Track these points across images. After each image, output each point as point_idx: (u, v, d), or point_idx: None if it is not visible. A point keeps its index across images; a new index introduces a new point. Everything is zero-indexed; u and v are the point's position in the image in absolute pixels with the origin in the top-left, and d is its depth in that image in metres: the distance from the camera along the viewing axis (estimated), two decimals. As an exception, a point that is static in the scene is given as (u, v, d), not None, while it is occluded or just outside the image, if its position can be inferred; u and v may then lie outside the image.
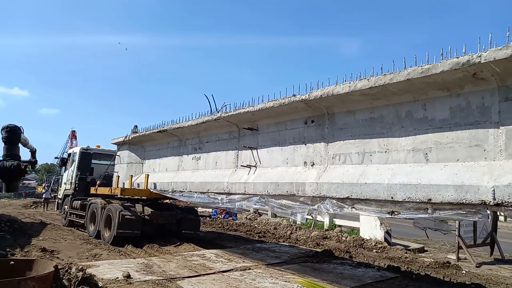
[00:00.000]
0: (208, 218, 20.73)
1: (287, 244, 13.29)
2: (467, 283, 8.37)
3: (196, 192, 9.27)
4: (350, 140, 5.91)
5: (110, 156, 15.04)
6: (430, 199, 4.52)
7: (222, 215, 21.46)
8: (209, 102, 9.91)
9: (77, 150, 16.73)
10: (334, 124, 6.24)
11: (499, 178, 3.99)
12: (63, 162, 18.18)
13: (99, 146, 16.92)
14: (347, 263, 9.88)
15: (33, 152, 8.76)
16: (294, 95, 6.50)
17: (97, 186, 13.72)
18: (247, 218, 20.11)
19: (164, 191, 10.73)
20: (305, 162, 6.65)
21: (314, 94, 6.08)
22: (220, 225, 18.07)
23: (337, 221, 16.72)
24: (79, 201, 14.29)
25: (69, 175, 16.51)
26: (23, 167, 6.59)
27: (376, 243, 12.94)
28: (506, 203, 3.86)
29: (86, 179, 15.49)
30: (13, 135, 6.70)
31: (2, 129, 6.65)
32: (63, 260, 8.59)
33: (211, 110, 9.50)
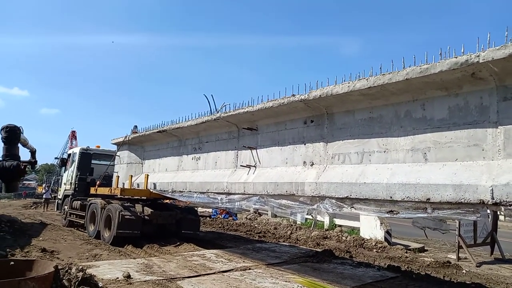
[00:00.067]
0: (208, 218, 20.74)
1: (287, 244, 13.30)
2: (468, 282, 8.37)
3: (195, 192, 9.28)
4: (349, 140, 5.92)
5: (110, 156, 15.05)
6: (429, 199, 4.53)
7: (222, 215, 21.46)
8: (208, 102, 9.94)
9: (77, 150, 16.74)
10: (333, 124, 6.25)
11: (498, 177, 4.00)
12: (63, 162, 18.19)
13: (99, 147, 16.93)
14: (348, 263, 9.88)
15: (32, 152, 8.76)
16: (294, 95, 6.51)
17: (97, 186, 13.73)
18: (247, 218, 20.11)
19: (164, 191, 10.74)
20: (304, 162, 6.66)
21: (314, 94, 6.09)
22: (220, 225, 18.07)
23: (337, 221, 16.72)
24: (79, 202, 14.30)
25: (69, 175, 16.53)
26: (22, 167, 6.59)
27: (376, 242, 12.95)
28: (504, 202, 3.88)
29: (86, 180, 15.50)
30: (13, 135, 6.70)
31: (1, 129, 6.65)
32: (63, 260, 8.59)
33: (210, 110, 9.53)
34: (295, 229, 16.07)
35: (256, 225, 18.03)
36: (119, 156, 13.48)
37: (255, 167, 7.70)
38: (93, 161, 16.22)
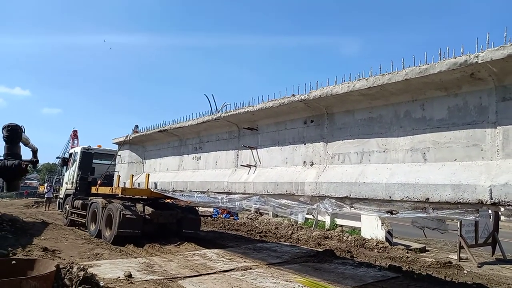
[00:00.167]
0: (209, 217, 20.75)
1: (288, 243, 13.31)
2: (469, 283, 8.36)
3: (196, 191, 9.30)
4: (349, 139, 5.93)
5: (111, 155, 15.08)
6: (428, 199, 4.54)
7: (223, 215, 21.47)
8: (209, 102, 9.95)
9: (78, 150, 16.79)
10: (333, 124, 6.26)
11: (496, 177, 4.02)
12: (65, 161, 18.24)
13: (100, 146, 16.96)
14: (348, 263, 9.88)
15: (34, 152, 8.80)
16: (294, 95, 6.52)
17: (98, 185, 13.77)
18: (248, 218, 20.11)
19: (165, 190, 10.77)
20: (304, 162, 6.68)
21: (313, 94, 6.10)
22: (221, 225, 18.08)
23: (338, 221, 16.71)
24: (80, 201, 14.33)
25: (70, 174, 16.57)
26: (24, 166, 6.61)
27: (378, 243, 12.95)
28: (503, 202, 3.89)
29: (87, 179, 15.54)
30: (14, 134, 6.72)
31: (3, 128, 6.67)
32: (64, 259, 8.62)
33: (211, 110, 9.54)
34: (296, 229, 16.08)
35: (257, 225, 18.05)
36: (120, 155, 13.52)
37: (256, 166, 7.72)
38: (94, 161, 16.26)
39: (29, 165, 7.25)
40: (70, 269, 5.92)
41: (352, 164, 5.79)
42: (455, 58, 4.31)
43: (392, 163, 5.22)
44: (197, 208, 15.65)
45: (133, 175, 12.41)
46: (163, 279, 7.28)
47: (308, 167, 6.54)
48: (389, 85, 5.05)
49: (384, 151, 5.38)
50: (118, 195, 12.18)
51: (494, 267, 10.47)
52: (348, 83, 5.55)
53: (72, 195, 15.50)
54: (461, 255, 11.19)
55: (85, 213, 13.52)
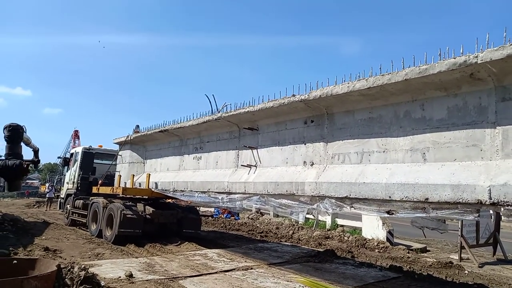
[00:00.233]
0: (210, 217, 20.76)
1: (289, 243, 13.31)
2: (470, 283, 8.34)
3: (197, 191, 9.32)
4: (349, 140, 5.94)
5: (112, 155, 15.11)
6: (427, 199, 4.55)
7: (224, 215, 21.48)
8: (210, 102, 9.96)
9: (79, 150, 16.83)
10: (333, 124, 6.28)
11: (495, 177, 4.02)
12: (66, 161, 18.26)
13: (101, 146, 17.00)
14: (349, 263, 9.87)
15: (35, 152, 8.83)
16: (294, 95, 6.54)
17: (99, 185, 13.79)
18: (249, 218, 20.11)
19: (166, 190, 10.79)
20: (304, 162, 6.69)
21: (314, 94, 6.11)
22: (222, 225, 18.09)
23: (339, 221, 16.69)
24: (81, 201, 14.37)
25: (71, 174, 16.61)
26: (25, 166, 6.64)
27: (378, 243, 12.94)
28: (502, 202, 3.89)
29: (88, 179, 15.57)
30: (15, 134, 6.75)
31: (4, 128, 6.70)
32: (65, 259, 8.63)
33: (212, 110, 9.55)
34: (297, 229, 16.08)
35: (258, 225, 18.05)
36: (121, 155, 13.55)
37: (256, 166, 7.74)
38: (95, 161, 16.30)
39: (30, 165, 7.27)
40: (71, 269, 5.93)
41: (352, 164, 5.80)
42: (454, 58, 4.32)
43: (392, 163, 5.23)
44: (198, 208, 15.65)
45: (134, 175, 12.43)
46: (164, 279, 7.28)
47: (308, 167, 6.55)
48: (389, 85, 5.06)
49: (384, 151, 5.39)
50: (119, 195, 12.21)
51: (495, 268, 10.46)
52: (348, 83, 5.56)
53: (73, 195, 15.54)
54: (462, 255, 11.19)
55: (86, 213, 13.55)
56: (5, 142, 6.71)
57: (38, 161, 8.16)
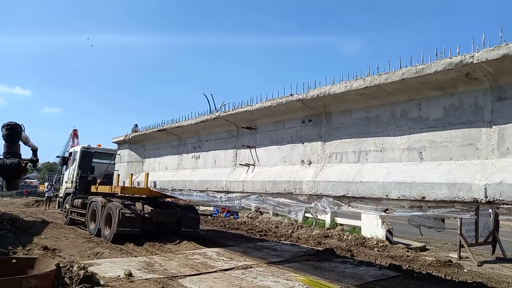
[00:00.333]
0: (209, 216, 20.79)
1: (289, 242, 13.33)
2: (469, 282, 8.36)
3: (195, 190, 9.34)
4: (347, 139, 5.97)
5: (110, 155, 15.13)
6: (424, 197, 4.58)
7: (224, 214, 21.50)
8: (208, 101, 9.99)
9: (78, 149, 16.86)
10: (331, 123, 6.30)
11: (491, 176, 4.05)
12: (65, 161, 18.30)
13: (100, 145, 17.02)
14: (349, 262, 9.89)
15: (34, 151, 8.83)
16: (292, 95, 6.56)
17: (97, 184, 13.82)
18: (248, 217, 20.13)
19: (164, 189, 10.81)
20: (302, 161, 6.71)
21: (311, 93, 6.14)
22: (221, 224, 18.10)
23: (339, 220, 16.70)
24: (80, 200, 14.38)
25: (70, 173, 16.64)
26: (23, 164, 6.64)
27: (378, 241, 12.97)
28: (497, 201, 3.93)
29: (87, 178, 15.61)
30: (14, 132, 6.75)
31: (2, 127, 6.70)
32: (65, 258, 8.63)
33: (210, 109, 9.56)
34: (296, 227, 16.11)
35: (257, 224, 18.07)
36: (119, 154, 13.56)
37: (254, 165, 7.75)
38: (94, 160, 16.33)
39: (29, 163, 7.28)
40: (71, 268, 5.96)
41: (350, 163, 5.83)
42: (450, 58, 4.35)
43: (389, 162, 5.26)
44: (197, 207, 15.67)
45: (132, 174, 12.46)
46: (163, 277, 7.28)
47: (306, 166, 6.57)
48: (386, 85, 5.09)
49: (381, 150, 5.42)
50: (117, 194, 12.23)
51: (494, 266, 10.49)
52: (346, 83, 5.59)
53: (72, 194, 15.56)
54: (461, 254, 11.22)
55: (85, 212, 13.56)
56: (3, 141, 6.72)
57: (37, 160, 8.18)
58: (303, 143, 6.77)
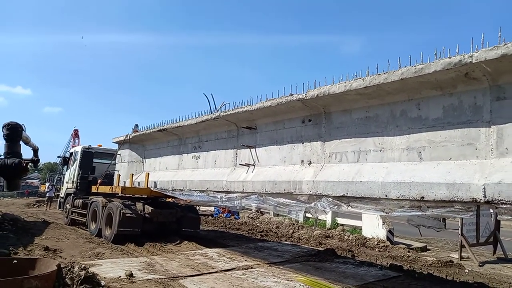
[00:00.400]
0: (210, 217, 20.79)
1: (290, 243, 13.33)
2: (470, 282, 8.35)
3: (195, 190, 9.35)
4: (346, 139, 5.97)
5: (111, 155, 15.14)
6: (423, 197, 4.58)
7: (224, 214, 21.50)
8: (208, 101, 9.99)
9: (79, 149, 16.87)
10: (331, 123, 6.30)
11: (490, 176, 4.05)
12: (65, 161, 18.30)
13: (100, 145, 17.03)
14: (350, 262, 9.89)
15: (35, 151, 8.85)
16: (292, 95, 6.56)
17: (98, 184, 13.83)
18: (249, 217, 20.12)
19: (165, 189, 10.82)
20: (302, 161, 6.72)
21: (311, 93, 6.14)
22: (222, 224, 18.10)
23: (339, 220, 16.71)
24: (81, 200, 14.39)
25: (71, 174, 16.64)
26: (24, 164, 6.65)
27: (379, 242, 12.95)
28: (496, 201, 3.93)
29: (88, 178, 15.61)
30: (14, 132, 6.77)
31: (3, 127, 6.71)
32: (66, 259, 8.64)
33: (210, 109, 9.57)
34: (297, 228, 16.10)
35: (258, 224, 18.07)
36: (120, 154, 13.57)
37: (254, 165, 7.76)
38: (94, 160, 16.33)
39: (30, 164, 7.29)
40: (72, 269, 5.96)
41: (349, 163, 5.83)
42: (450, 58, 4.35)
43: (388, 162, 5.26)
44: (197, 207, 15.67)
45: (133, 174, 12.47)
46: (164, 278, 7.29)
47: (306, 166, 6.58)
48: (385, 85, 5.09)
49: (380, 150, 5.42)
50: (118, 194, 12.25)
51: (496, 266, 10.48)
52: (345, 82, 5.59)
53: (72, 194, 15.57)
54: (462, 254, 11.20)
55: (86, 212, 13.58)
56: (4, 141, 6.73)
57: (38, 160, 8.19)
58: (303, 143, 6.78)
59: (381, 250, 12.26)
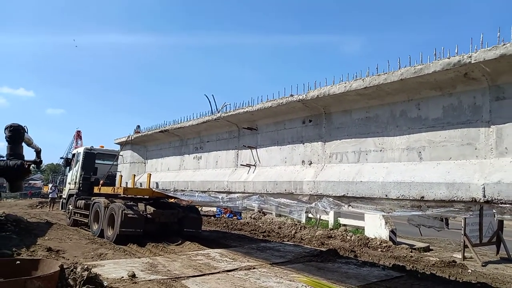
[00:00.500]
0: (212, 217, 20.83)
1: (292, 243, 13.34)
2: (473, 282, 8.34)
3: (197, 191, 9.37)
4: (347, 139, 5.99)
5: (113, 156, 15.18)
6: (423, 197, 4.59)
7: (227, 215, 21.54)
8: (209, 102, 10.00)
9: (81, 150, 16.95)
10: (331, 124, 6.32)
11: (489, 175, 4.06)
12: (68, 162, 18.37)
13: (102, 147, 17.09)
14: (352, 262, 9.89)
15: (38, 152, 8.86)
16: (292, 95, 6.57)
17: (100, 185, 13.85)
18: (251, 218, 20.17)
19: (166, 190, 10.85)
20: (303, 161, 6.74)
21: (311, 94, 6.15)
22: (224, 225, 18.13)
23: (342, 220, 16.70)
24: (83, 201, 14.46)
25: (73, 175, 16.71)
26: (26, 166, 6.68)
27: (381, 242, 12.94)
28: (496, 200, 3.94)
29: (90, 179, 15.65)
30: (17, 134, 6.80)
31: (5, 129, 6.75)
32: (68, 259, 8.68)
33: (211, 110, 9.59)
34: (299, 228, 16.12)
35: (260, 225, 18.10)
36: (122, 155, 13.61)
37: (255, 166, 7.78)
38: (97, 161, 16.39)
39: (32, 165, 7.31)
40: (74, 269, 5.97)
41: (350, 163, 5.84)
42: (449, 58, 4.36)
43: (389, 162, 5.27)
44: (199, 208, 15.69)
45: (135, 175, 12.50)
46: (167, 279, 7.31)
47: (307, 166, 6.59)
48: (385, 85, 5.10)
49: (380, 150, 5.44)
50: (120, 195, 12.28)
51: (499, 266, 10.45)
52: (345, 83, 5.60)
53: (75, 195, 15.64)
54: (465, 254, 11.18)
55: (88, 213, 13.64)
56: (7, 143, 6.76)
57: (40, 161, 8.22)
58: (303, 144, 6.79)
59: (384, 250, 12.25)
